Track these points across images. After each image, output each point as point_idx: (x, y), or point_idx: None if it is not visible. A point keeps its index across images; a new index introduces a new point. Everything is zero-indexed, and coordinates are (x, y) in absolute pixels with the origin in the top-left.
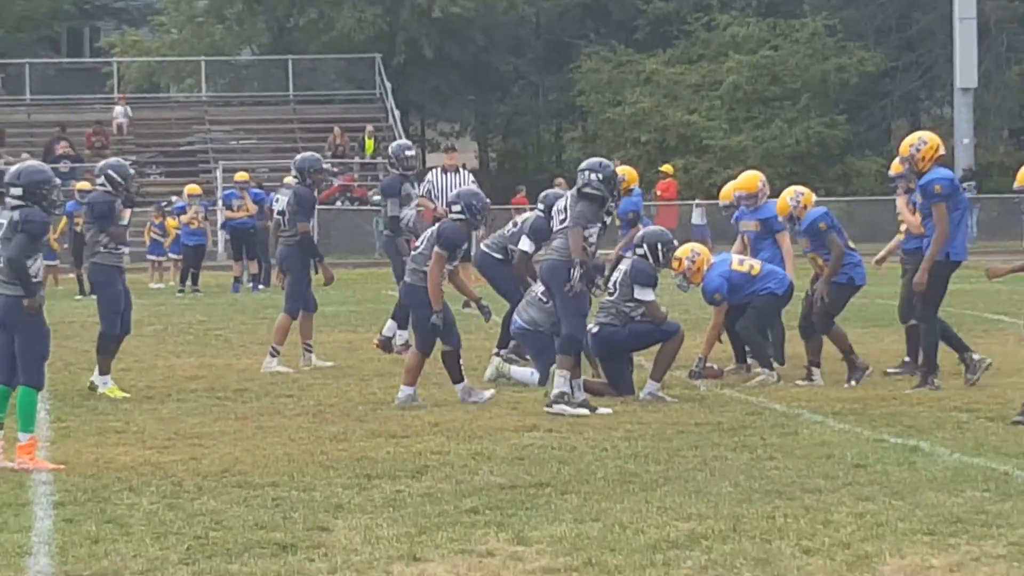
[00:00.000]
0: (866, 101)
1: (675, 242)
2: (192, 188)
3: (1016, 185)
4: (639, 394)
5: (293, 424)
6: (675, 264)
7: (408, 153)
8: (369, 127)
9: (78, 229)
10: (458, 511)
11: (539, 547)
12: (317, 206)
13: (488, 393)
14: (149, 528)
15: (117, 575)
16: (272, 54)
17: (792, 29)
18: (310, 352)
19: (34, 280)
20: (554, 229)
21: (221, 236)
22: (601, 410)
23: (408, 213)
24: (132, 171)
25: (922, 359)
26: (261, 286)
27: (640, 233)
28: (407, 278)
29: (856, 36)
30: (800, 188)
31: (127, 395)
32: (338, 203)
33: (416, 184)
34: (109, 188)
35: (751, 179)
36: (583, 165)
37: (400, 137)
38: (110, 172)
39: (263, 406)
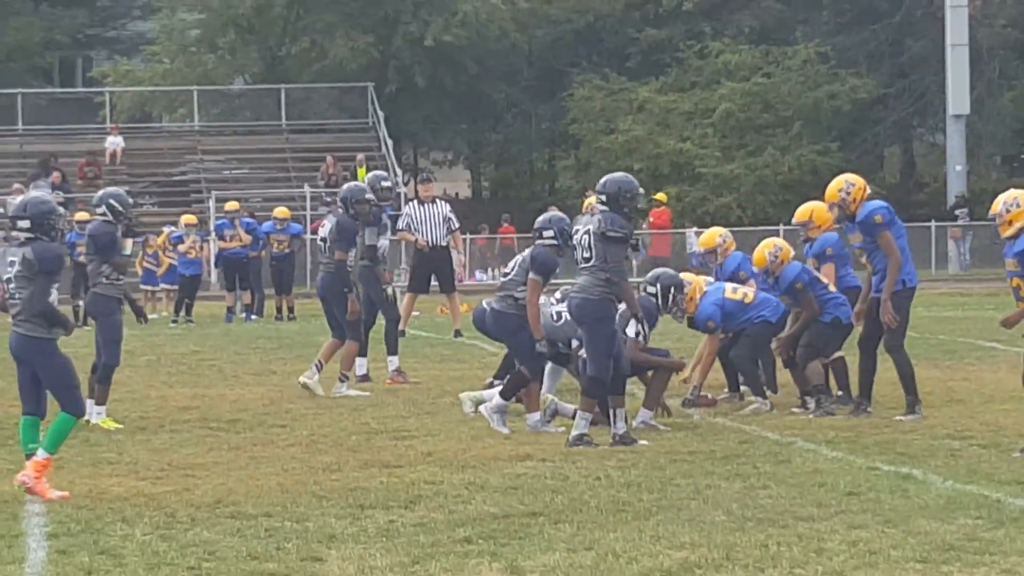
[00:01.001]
0: (859, 128)
1: (685, 290)
2: (188, 218)
3: (991, 213)
4: (632, 423)
5: (286, 454)
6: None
7: (384, 184)
8: (361, 156)
9: (80, 260)
10: (451, 541)
11: None
12: (310, 236)
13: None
14: (142, 559)
15: None
16: (264, 83)
17: (784, 56)
18: (345, 379)
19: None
20: (579, 264)
21: (215, 266)
22: (641, 442)
23: (384, 243)
24: (131, 200)
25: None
26: (254, 316)
27: (656, 273)
28: (495, 304)
29: (848, 63)
30: (779, 242)
31: (120, 426)
32: None
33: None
34: (110, 218)
35: (709, 236)
36: (600, 184)
37: (393, 166)
38: (111, 201)
39: (256, 436)
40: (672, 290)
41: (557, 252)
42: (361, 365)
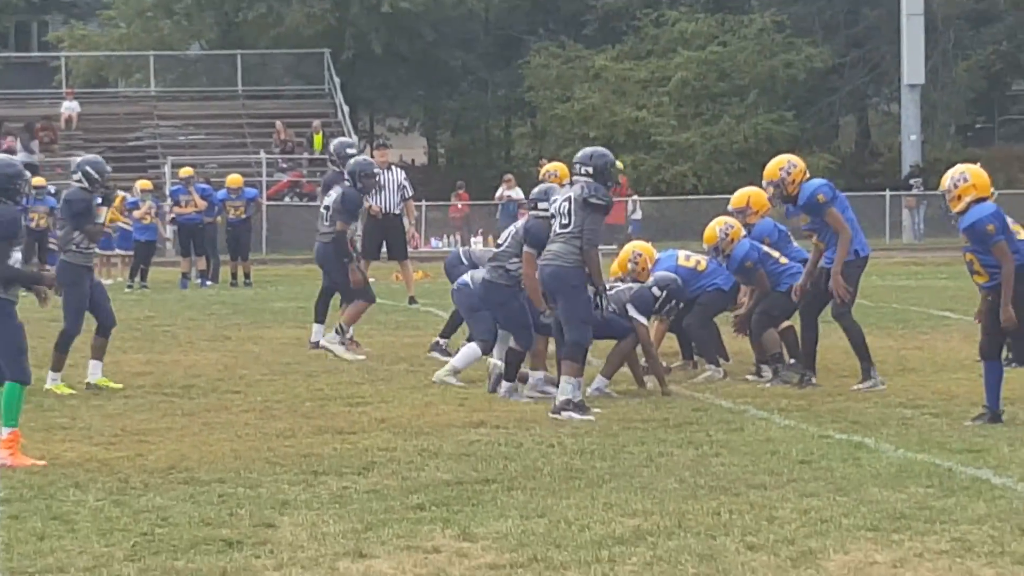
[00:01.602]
0: (814, 97)
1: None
2: (143, 184)
3: (940, 189)
4: (586, 390)
5: (240, 420)
6: (618, 267)
7: (350, 151)
8: (317, 122)
9: (32, 225)
10: (404, 507)
11: (485, 543)
12: (266, 201)
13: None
14: (95, 525)
15: (63, 572)
16: (221, 49)
17: (740, 25)
18: (343, 333)
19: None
20: (555, 231)
21: (170, 232)
22: (595, 410)
23: None
24: (109, 168)
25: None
26: (209, 282)
27: (664, 279)
28: (487, 275)
29: (804, 32)
30: (730, 220)
31: (73, 391)
32: (287, 199)
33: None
34: (86, 184)
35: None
36: (575, 158)
37: (349, 132)
38: (87, 168)
39: (210, 402)
40: (673, 300)
41: (549, 224)
42: (317, 332)
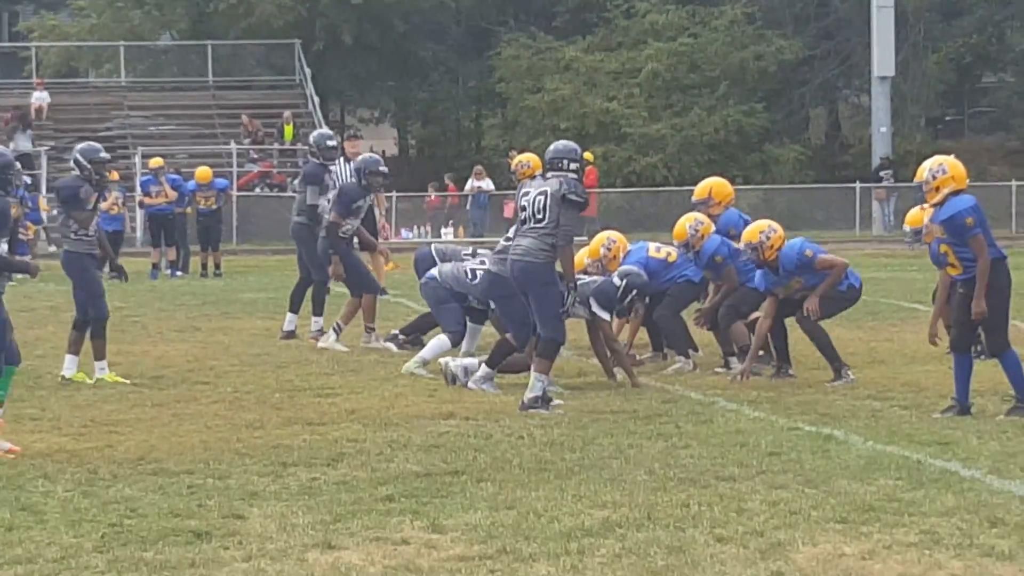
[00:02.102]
0: (784, 89)
1: (647, 300)
2: (111, 174)
3: (916, 180)
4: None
5: (209, 411)
6: (590, 254)
7: (330, 143)
8: (287, 113)
9: None
10: (373, 499)
11: (454, 535)
12: (236, 192)
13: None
14: (64, 516)
15: (31, 563)
16: (191, 39)
17: (711, 17)
18: (372, 331)
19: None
20: (526, 225)
21: (140, 222)
22: (557, 402)
23: (324, 203)
24: (105, 156)
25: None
26: (179, 272)
27: (625, 270)
28: (493, 267)
29: (775, 24)
30: (701, 217)
31: (126, 381)
32: (257, 190)
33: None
34: (77, 171)
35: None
36: (555, 152)
37: (320, 123)
38: (77, 156)
39: (179, 393)
40: (634, 293)
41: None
42: (290, 321)
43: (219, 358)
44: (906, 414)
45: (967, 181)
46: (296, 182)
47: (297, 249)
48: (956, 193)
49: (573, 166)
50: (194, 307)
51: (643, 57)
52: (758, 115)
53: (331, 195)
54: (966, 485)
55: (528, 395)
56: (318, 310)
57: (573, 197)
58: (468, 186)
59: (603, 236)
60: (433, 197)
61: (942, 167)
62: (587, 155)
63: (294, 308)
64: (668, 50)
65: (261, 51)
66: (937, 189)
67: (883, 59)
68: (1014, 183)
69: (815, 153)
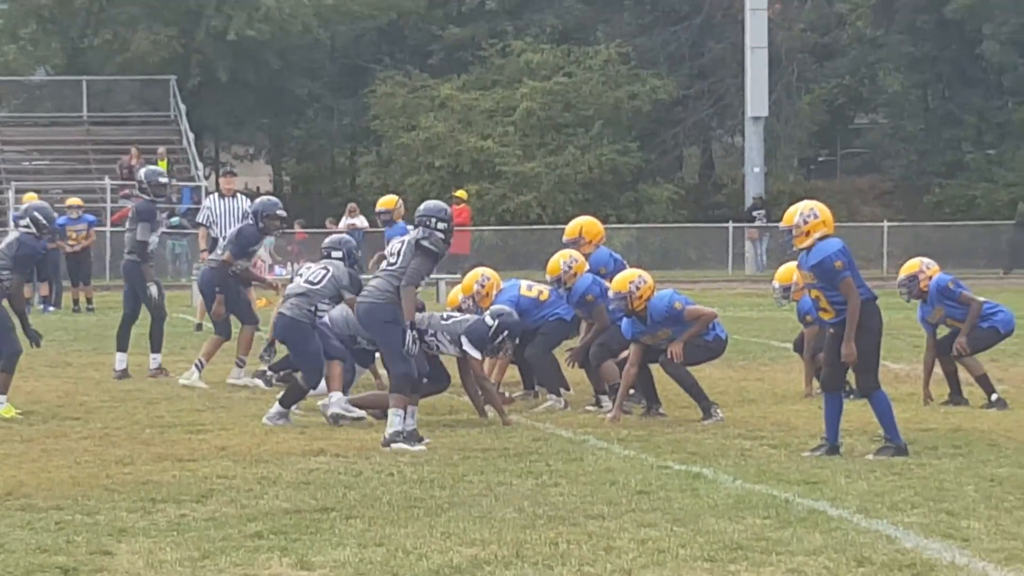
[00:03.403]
0: (658, 128)
1: (517, 340)
2: None
3: (783, 225)
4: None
5: (79, 447)
6: (463, 290)
7: (162, 180)
8: (162, 149)
9: None
10: (242, 535)
11: (322, 572)
12: (110, 228)
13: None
14: None
15: None
16: (66, 75)
17: (586, 56)
18: (242, 366)
19: None
20: (381, 268)
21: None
22: (425, 440)
23: (154, 240)
24: None
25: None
26: (52, 308)
27: (498, 310)
28: (287, 311)
29: (649, 64)
30: (575, 255)
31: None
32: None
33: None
34: None
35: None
36: (425, 211)
37: (195, 159)
38: None
39: (49, 429)
40: (505, 333)
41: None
42: (121, 360)
43: (90, 393)
44: (775, 453)
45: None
46: (127, 220)
47: (126, 286)
48: (824, 238)
49: (440, 226)
50: (66, 342)
51: (518, 96)
52: (632, 154)
53: (160, 233)
54: (833, 524)
55: (388, 430)
56: (156, 347)
57: (427, 244)
58: (342, 223)
59: (477, 273)
60: (298, 234)
61: (813, 211)
62: (461, 193)
63: (122, 347)
64: (543, 89)
65: (136, 87)
66: (808, 233)
67: (756, 99)
68: (886, 224)
69: (688, 192)
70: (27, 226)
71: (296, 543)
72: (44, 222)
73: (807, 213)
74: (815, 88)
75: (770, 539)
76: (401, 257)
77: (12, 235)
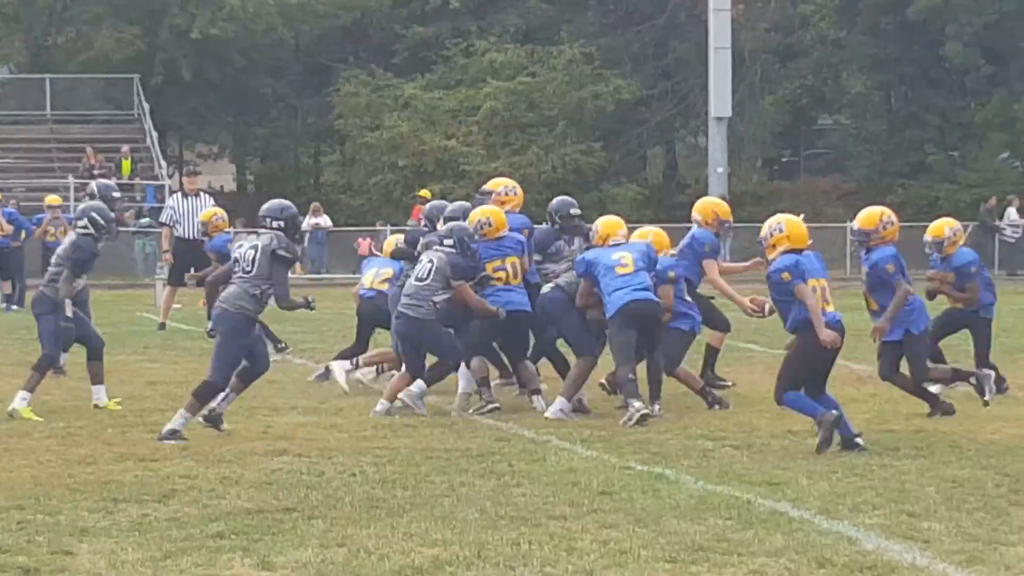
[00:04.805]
0: (622, 129)
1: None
2: None
3: (760, 236)
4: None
5: (41, 446)
6: None
7: (115, 195)
8: (125, 148)
9: None
10: (204, 535)
11: (284, 572)
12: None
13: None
14: None
15: None
16: (29, 73)
17: (550, 56)
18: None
19: None
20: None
21: None
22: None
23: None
24: None
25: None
26: (15, 307)
27: (449, 227)
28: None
29: (613, 64)
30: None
31: None
32: None
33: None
34: None
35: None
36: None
37: (158, 158)
38: None
39: (11, 428)
40: (465, 239)
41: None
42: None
43: (52, 393)
44: (737, 454)
45: (807, 241)
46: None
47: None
48: (788, 251)
49: (276, 224)
50: (29, 341)
51: (482, 95)
52: (596, 154)
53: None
54: (795, 525)
55: (167, 427)
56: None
57: (281, 252)
58: (305, 223)
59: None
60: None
61: (780, 226)
62: (424, 192)
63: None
64: (507, 89)
65: (100, 85)
66: (774, 246)
67: (720, 100)
68: (849, 224)
69: (652, 192)
70: (84, 227)
71: (258, 543)
72: (103, 222)
73: (774, 227)
74: (779, 89)
75: (732, 540)
76: (256, 265)
77: (70, 236)
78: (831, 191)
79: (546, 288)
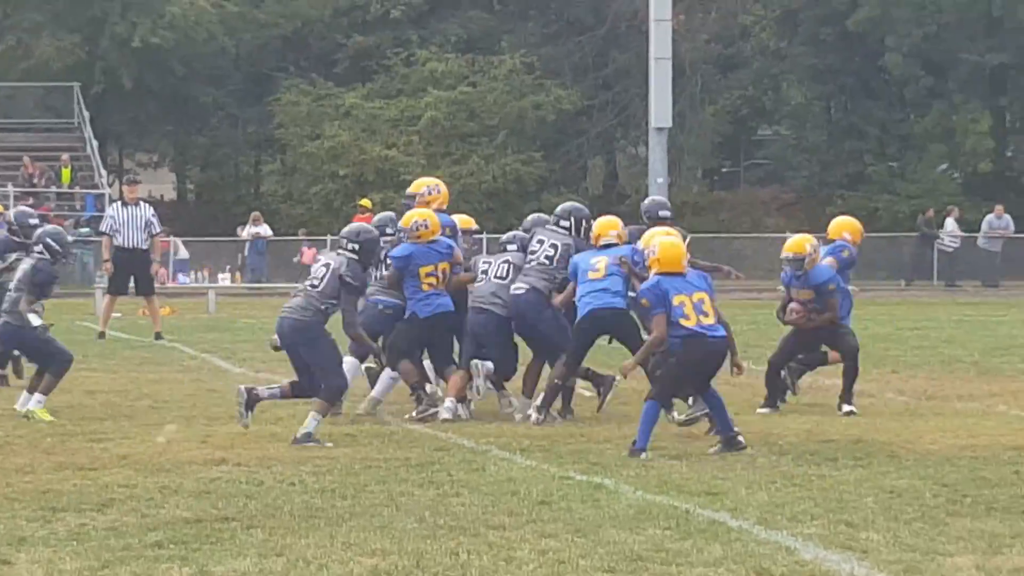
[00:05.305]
0: (563, 139)
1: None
2: None
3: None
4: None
5: None
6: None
7: (32, 222)
8: (65, 156)
9: None
10: (142, 545)
11: None
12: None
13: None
14: None
15: None
16: None
17: (491, 66)
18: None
19: None
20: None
21: None
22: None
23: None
24: None
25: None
26: None
27: (567, 208)
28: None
29: (554, 74)
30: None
31: None
32: None
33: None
34: None
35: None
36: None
37: (99, 167)
38: None
39: None
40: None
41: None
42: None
43: None
44: (677, 464)
45: (681, 265)
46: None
47: None
48: (659, 273)
49: (350, 247)
50: None
51: (422, 105)
52: (536, 164)
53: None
54: (734, 535)
55: (302, 431)
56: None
57: (348, 279)
58: (245, 232)
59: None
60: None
61: (653, 249)
62: (365, 202)
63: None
64: (447, 98)
65: (40, 93)
66: (649, 268)
67: (660, 110)
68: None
69: (592, 203)
70: (40, 252)
71: (196, 553)
72: (58, 248)
73: (651, 247)
74: (719, 99)
75: (670, 550)
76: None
77: (29, 261)
78: (771, 202)
79: (518, 289)
